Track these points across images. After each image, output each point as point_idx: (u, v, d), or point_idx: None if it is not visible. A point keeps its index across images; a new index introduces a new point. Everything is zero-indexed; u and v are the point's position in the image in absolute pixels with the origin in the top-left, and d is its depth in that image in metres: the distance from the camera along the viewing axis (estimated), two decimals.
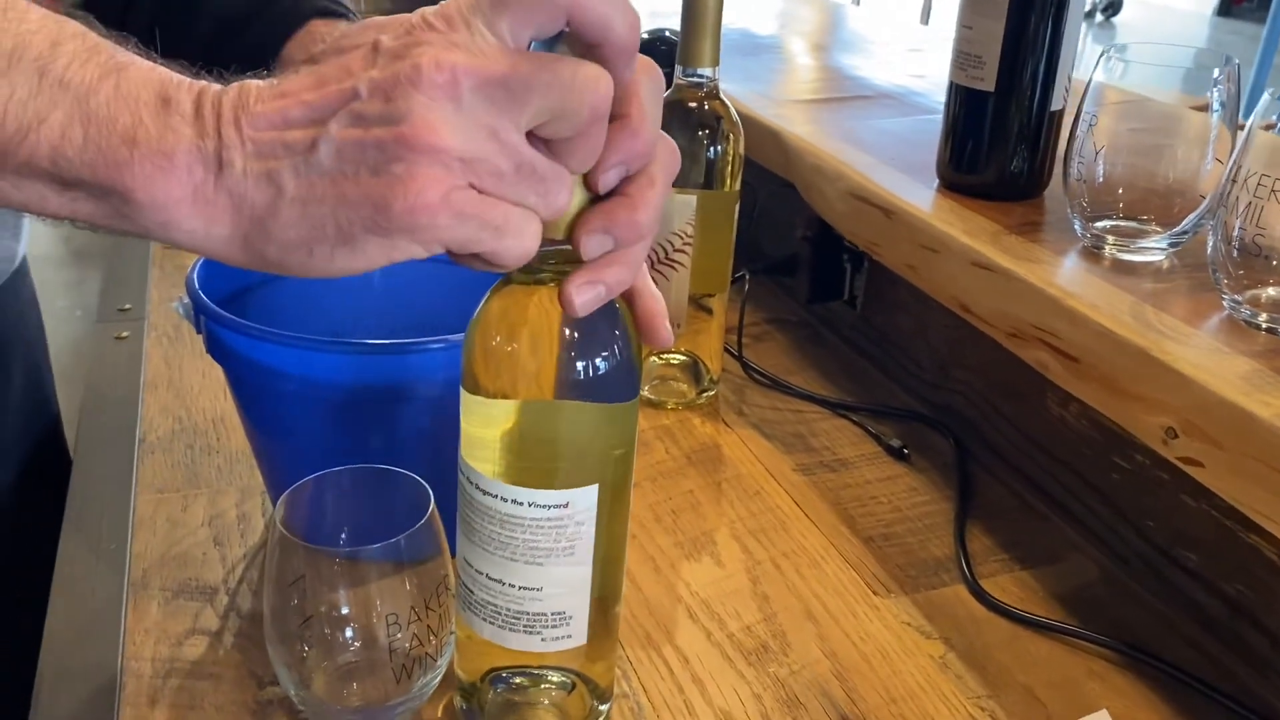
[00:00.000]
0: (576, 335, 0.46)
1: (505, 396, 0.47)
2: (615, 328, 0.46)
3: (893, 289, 0.89)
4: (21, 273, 0.79)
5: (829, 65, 1.16)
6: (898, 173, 0.80)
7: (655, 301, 0.47)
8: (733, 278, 0.83)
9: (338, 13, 0.59)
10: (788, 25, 1.40)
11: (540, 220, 0.38)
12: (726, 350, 0.88)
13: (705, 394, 0.85)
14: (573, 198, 0.40)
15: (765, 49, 1.21)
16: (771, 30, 1.33)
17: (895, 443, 0.80)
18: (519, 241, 0.38)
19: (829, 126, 0.90)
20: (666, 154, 0.42)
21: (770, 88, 1.05)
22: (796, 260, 0.96)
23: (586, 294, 0.41)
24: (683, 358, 0.84)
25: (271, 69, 0.56)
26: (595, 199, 0.41)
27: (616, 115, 0.40)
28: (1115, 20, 6.74)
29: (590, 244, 0.41)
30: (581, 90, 0.36)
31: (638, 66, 0.41)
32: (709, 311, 0.83)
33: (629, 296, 0.47)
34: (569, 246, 0.41)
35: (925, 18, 5.36)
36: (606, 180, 0.40)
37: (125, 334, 0.89)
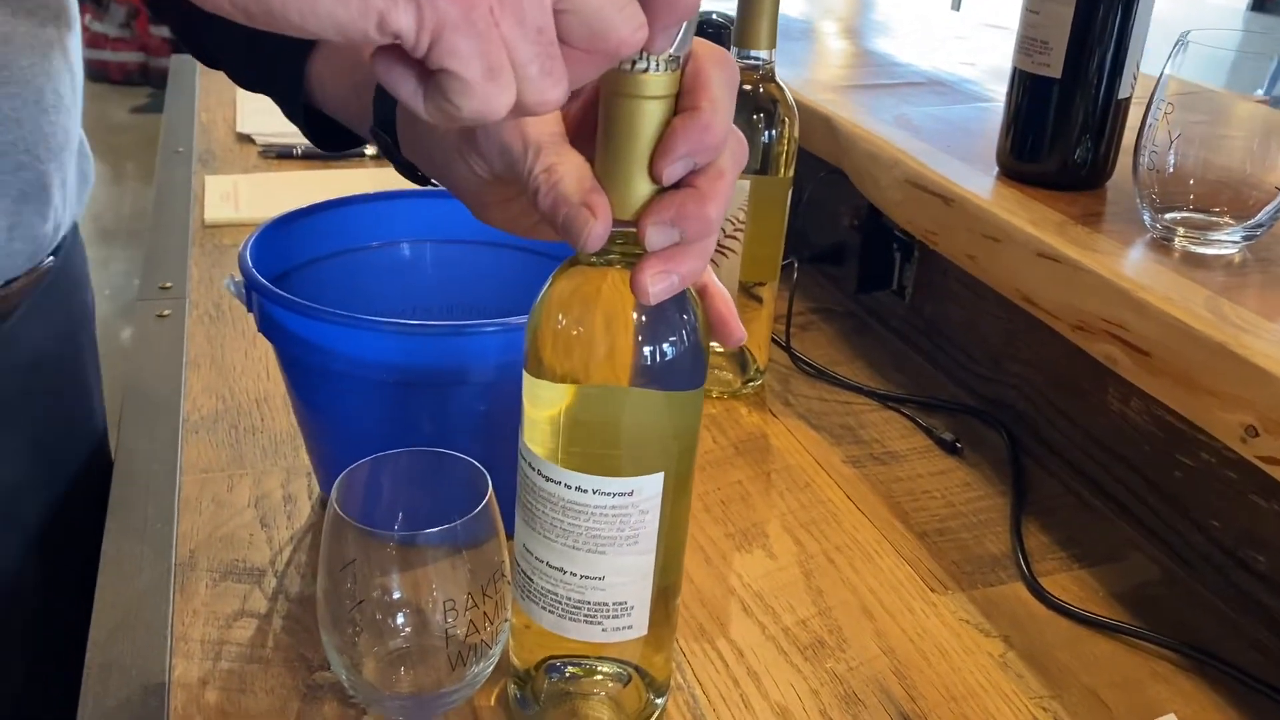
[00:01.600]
0: (647, 320, 0.44)
1: (572, 380, 0.46)
2: (685, 313, 0.45)
3: (943, 279, 0.88)
4: (68, 280, 0.73)
5: (870, 50, 1.14)
6: (955, 160, 0.78)
7: (725, 299, 0.47)
8: (780, 266, 0.82)
9: None
10: (819, 8, 1.38)
11: (515, 100, 0.34)
12: (773, 340, 0.87)
13: (751, 383, 0.84)
14: (641, 185, 0.40)
15: (801, 33, 1.19)
16: (803, 13, 1.31)
17: (947, 436, 0.78)
18: (495, 96, 0.33)
19: (880, 113, 0.89)
20: (736, 146, 0.41)
21: (814, 72, 1.03)
22: (844, 249, 0.94)
23: (660, 283, 0.40)
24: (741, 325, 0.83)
25: (316, 42, 0.55)
26: (662, 189, 0.40)
27: (687, 107, 0.40)
28: None
29: (656, 235, 0.40)
30: (615, 5, 0.34)
31: (712, 57, 0.40)
32: (759, 300, 0.81)
33: (699, 292, 0.46)
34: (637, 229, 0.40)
35: (956, 3, 5.31)
36: (672, 172, 0.39)
37: (167, 312, 0.88)
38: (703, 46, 0.41)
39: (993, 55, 1.12)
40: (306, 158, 1.22)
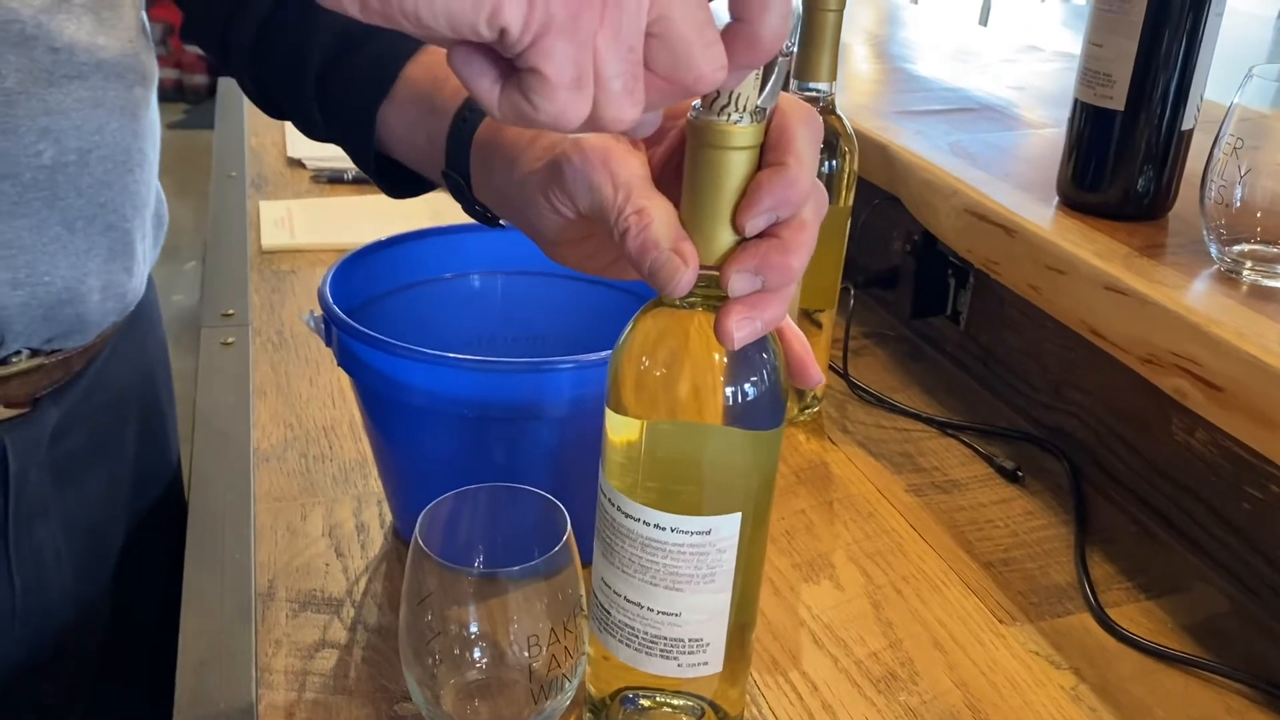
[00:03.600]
0: (729, 361, 0.45)
1: (654, 418, 0.47)
2: (764, 352, 0.46)
3: (1000, 306, 0.88)
4: (144, 319, 0.75)
5: (913, 72, 1.15)
6: (1014, 189, 0.79)
7: (802, 342, 0.47)
8: None
9: None
10: (849, 26, 1.38)
11: (590, 113, 0.34)
12: (830, 366, 0.87)
13: (808, 410, 0.84)
14: (725, 233, 0.41)
15: (842, 57, 1.20)
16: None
17: (1009, 464, 0.78)
18: (574, 105, 0.33)
19: (936, 140, 0.89)
20: (818, 198, 0.42)
21: (863, 98, 1.04)
22: (898, 274, 0.95)
23: (745, 329, 0.42)
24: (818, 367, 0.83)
25: (390, 90, 0.56)
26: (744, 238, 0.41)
27: (773, 161, 0.41)
28: None
29: (739, 282, 0.41)
30: (703, 42, 0.34)
31: (798, 114, 0.41)
32: (818, 325, 0.82)
33: (778, 335, 0.47)
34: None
35: (984, 18, 5.30)
36: (756, 224, 0.41)
37: (231, 340, 0.90)
38: (789, 103, 0.42)
39: (1039, 79, 1.13)
40: (357, 182, 1.24)
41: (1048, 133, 0.93)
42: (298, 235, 1.10)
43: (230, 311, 0.95)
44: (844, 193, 0.78)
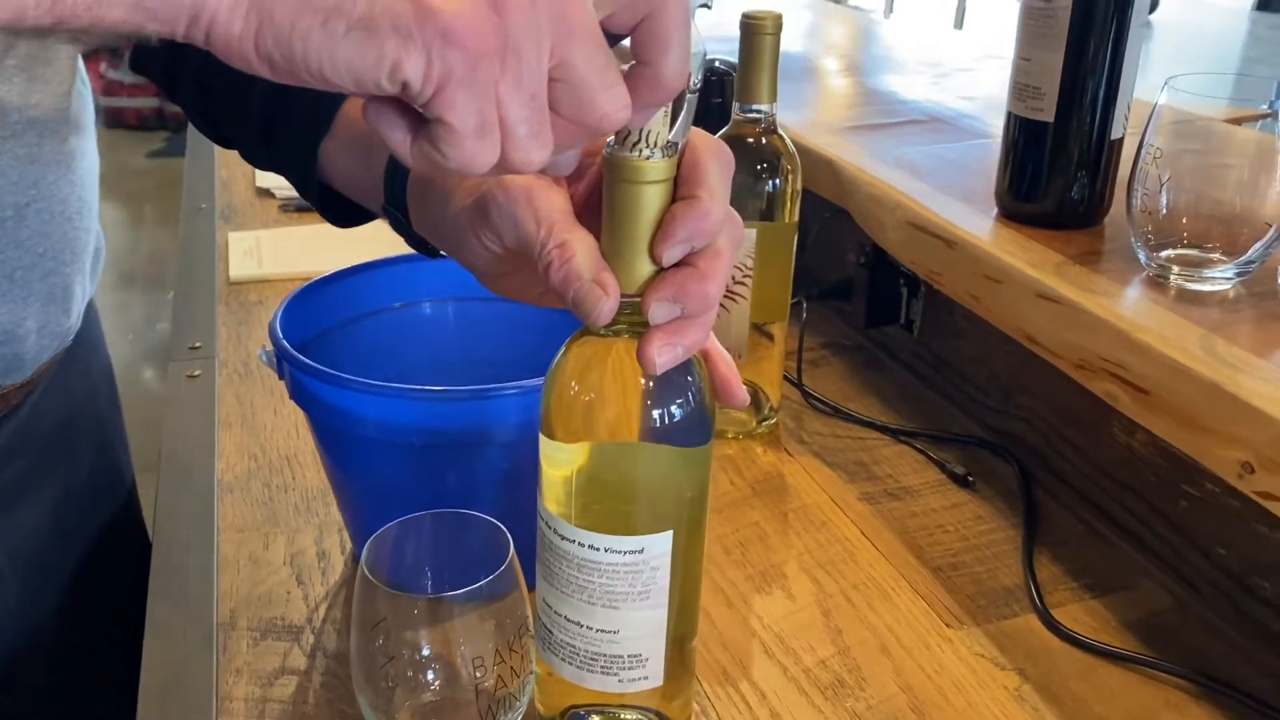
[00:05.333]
0: (653, 384, 0.47)
1: (583, 442, 0.48)
2: (689, 375, 0.48)
3: (950, 314, 0.90)
4: (85, 347, 0.77)
5: (874, 89, 1.17)
6: (956, 201, 0.80)
7: (727, 363, 0.49)
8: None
9: None
10: (823, 44, 1.40)
11: (500, 158, 0.35)
12: (785, 377, 0.89)
13: (765, 422, 0.86)
14: (644, 263, 0.43)
15: (805, 73, 1.22)
16: (806, 49, 1.34)
17: (959, 470, 0.80)
18: (481, 152, 0.34)
19: (882, 154, 0.91)
20: (732, 228, 0.44)
21: (817, 114, 1.06)
22: (852, 285, 0.96)
23: (666, 355, 0.43)
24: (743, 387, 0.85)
25: (330, 126, 0.57)
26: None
27: (686, 195, 0.43)
28: (1152, 18, 6.66)
29: (659, 310, 0.43)
30: (604, 84, 0.35)
31: (708, 148, 0.43)
32: (770, 337, 0.83)
33: (702, 356, 0.48)
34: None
35: (959, 21, 5.34)
36: (671, 255, 0.43)
37: (198, 373, 0.91)
38: (699, 137, 0.43)
39: (992, 87, 1.15)
40: None
41: (993, 142, 0.95)
42: (266, 265, 1.12)
43: (197, 345, 0.96)
44: (788, 209, 0.79)
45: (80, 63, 0.66)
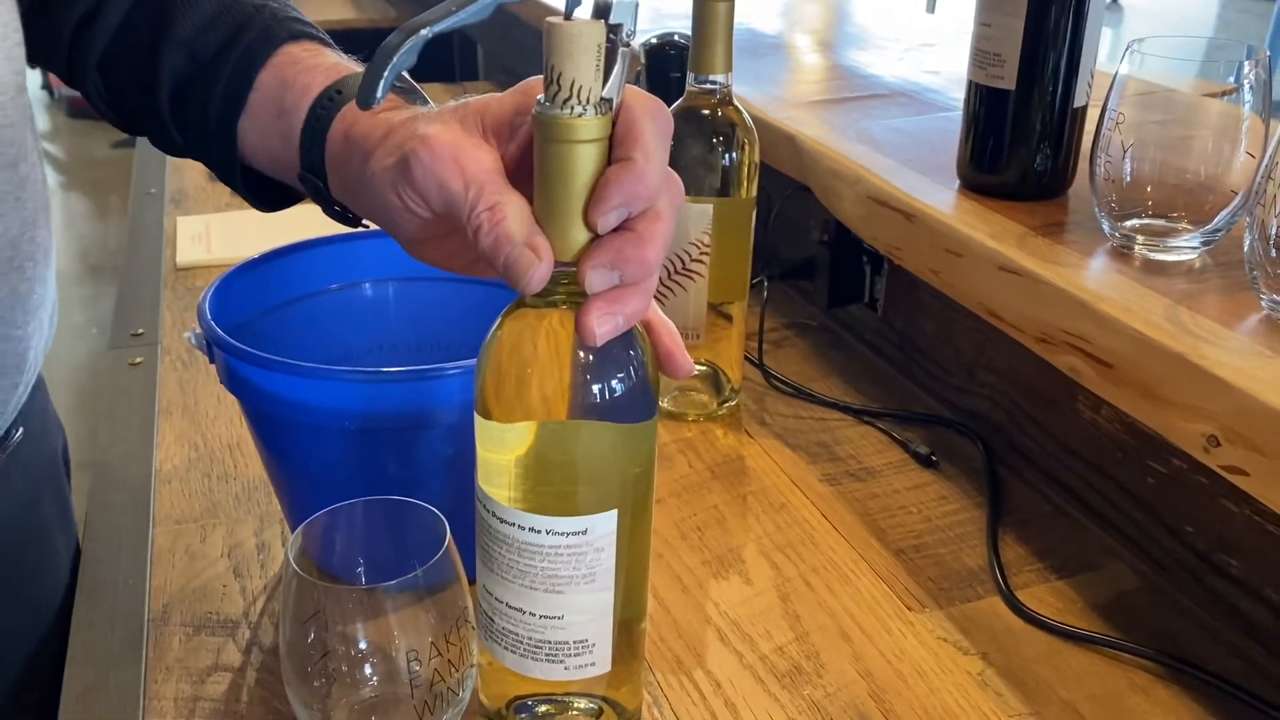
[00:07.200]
0: (591, 357, 0.44)
1: (520, 420, 0.46)
2: (630, 348, 0.45)
3: (914, 291, 0.88)
4: (35, 408, 0.68)
5: (840, 64, 1.14)
6: (917, 174, 0.78)
7: (671, 334, 0.47)
8: (750, 284, 0.82)
9: (310, 35, 0.57)
10: (794, 22, 1.38)
11: None
12: (746, 358, 0.87)
13: (726, 404, 0.84)
14: (579, 228, 0.41)
15: (773, 49, 1.19)
16: (778, 28, 1.31)
17: (923, 450, 0.78)
18: None
19: (843, 128, 0.89)
20: (672, 189, 0.42)
21: (781, 89, 1.03)
22: (814, 264, 0.94)
23: (605, 325, 0.41)
24: (703, 368, 0.83)
25: (245, 102, 0.54)
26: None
27: (621, 157, 0.40)
28: (1122, 2, 6.67)
29: (596, 278, 0.41)
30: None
31: (645, 108, 0.41)
32: (728, 319, 0.81)
33: (644, 327, 0.46)
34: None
35: (931, 5, 5.32)
36: (607, 221, 0.40)
37: (139, 360, 0.88)
38: (635, 96, 0.41)
39: (956, 62, 1.13)
40: None
41: (957, 115, 0.92)
42: (214, 250, 1.08)
43: (140, 331, 0.93)
44: (745, 184, 0.77)
45: (24, 75, 0.58)
